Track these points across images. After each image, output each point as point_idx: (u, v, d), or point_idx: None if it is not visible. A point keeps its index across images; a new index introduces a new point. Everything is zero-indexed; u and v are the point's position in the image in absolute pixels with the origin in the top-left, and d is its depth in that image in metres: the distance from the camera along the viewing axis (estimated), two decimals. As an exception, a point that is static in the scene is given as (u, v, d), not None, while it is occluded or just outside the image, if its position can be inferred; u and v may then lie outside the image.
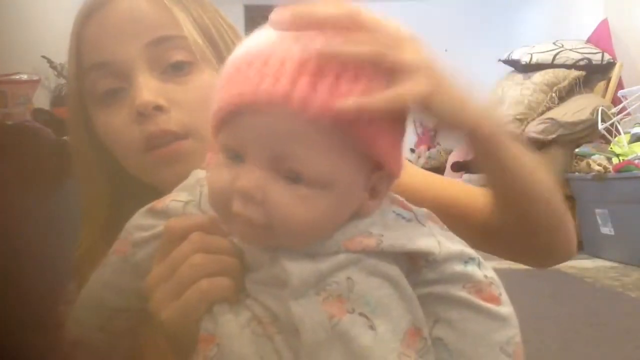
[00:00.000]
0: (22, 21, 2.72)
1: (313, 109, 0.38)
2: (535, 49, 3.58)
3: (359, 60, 0.40)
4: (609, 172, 2.74)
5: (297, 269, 0.42)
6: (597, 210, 2.87)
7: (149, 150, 0.63)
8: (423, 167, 5.12)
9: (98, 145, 0.67)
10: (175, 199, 0.50)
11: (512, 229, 0.57)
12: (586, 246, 3.04)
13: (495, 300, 0.44)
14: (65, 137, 0.70)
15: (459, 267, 0.44)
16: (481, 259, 0.46)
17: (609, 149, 2.89)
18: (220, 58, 0.67)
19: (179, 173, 0.63)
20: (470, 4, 5.19)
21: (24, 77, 2.32)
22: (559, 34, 3.77)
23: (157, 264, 0.47)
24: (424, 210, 0.48)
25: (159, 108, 0.62)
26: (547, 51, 3.52)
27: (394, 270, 0.43)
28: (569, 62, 3.44)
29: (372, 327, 0.41)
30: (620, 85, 3.31)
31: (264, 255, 0.44)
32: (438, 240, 0.44)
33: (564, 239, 0.62)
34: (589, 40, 3.60)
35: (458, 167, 4.14)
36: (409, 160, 0.48)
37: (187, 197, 0.50)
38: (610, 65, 3.41)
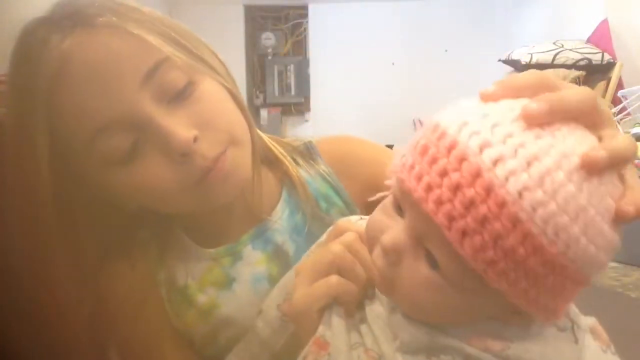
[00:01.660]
0: (22, 21, 2.72)
1: (451, 236, 0.36)
2: (535, 49, 3.58)
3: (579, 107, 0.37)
4: (609, 172, 2.74)
5: (411, 327, 0.42)
6: (597, 210, 2.87)
7: (201, 182, 0.61)
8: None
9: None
10: (363, 217, 0.53)
11: None
12: (586, 246, 3.03)
13: None
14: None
15: None
16: None
17: (609, 149, 2.88)
18: (205, 63, 0.66)
19: (233, 186, 0.64)
20: (470, 4, 5.18)
21: (24, 77, 2.31)
22: (559, 34, 3.77)
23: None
24: (590, 320, 0.45)
25: (196, 139, 0.60)
26: (547, 51, 3.52)
27: None
28: (569, 62, 3.44)
29: None
30: (620, 85, 3.31)
31: (389, 303, 0.45)
32: None
33: None
34: (589, 40, 3.60)
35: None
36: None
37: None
38: (610, 65, 3.41)
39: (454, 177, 0.36)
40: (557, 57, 3.49)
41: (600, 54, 3.44)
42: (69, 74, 0.57)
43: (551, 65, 3.48)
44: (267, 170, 0.78)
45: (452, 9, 5.15)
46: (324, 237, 0.56)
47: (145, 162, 0.60)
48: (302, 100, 4.81)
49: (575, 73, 3.39)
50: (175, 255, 0.74)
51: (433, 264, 0.39)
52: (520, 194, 0.35)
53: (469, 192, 0.35)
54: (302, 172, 0.78)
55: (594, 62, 3.46)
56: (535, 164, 0.35)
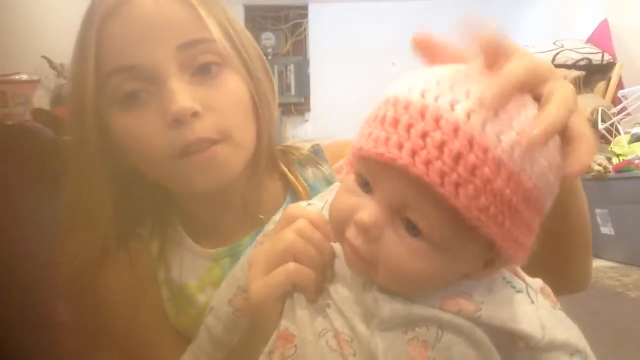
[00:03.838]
0: (22, 21, 2.72)
1: (445, 190, 0.37)
2: (535, 49, 3.58)
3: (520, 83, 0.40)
4: (609, 172, 2.74)
5: (389, 302, 0.42)
6: (597, 210, 2.87)
7: (184, 157, 0.61)
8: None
9: (105, 149, 0.65)
10: (311, 202, 0.53)
11: (547, 251, 0.57)
12: (586, 246, 3.04)
13: None
14: (65, 137, 0.69)
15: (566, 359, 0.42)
16: (588, 351, 0.43)
17: (609, 149, 2.88)
18: (242, 59, 0.68)
19: (213, 178, 0.64)
20: (471, 4, 5.18)
21: (24, 77, 2.32)
22: (559, 34, 3.77)
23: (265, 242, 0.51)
24: (539, 282, 0.46)
25: (195, 114, 0.61)
26: (547, 51, 3.52)
27: (484, 338, 0.42)
28: (569, 62, 3.44)
29: None
30: (620, 85, 3.31)
31: (359, 282, 0.44)
32: (543, 326, 0.42)
33: (585, 269, 0.63)
34: (589, 40, 3.60)
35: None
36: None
37: (317, 203, 0.52)
38: (610, 65, 3.41)
39: (436, 136, 0.37)
40: (557, 57, 3.49)
41: (600, 54, 3.45)
42: (120, 13, 0.61)
43: (551, 65, 3.48)
44: (272, 174, 0.77)
45: (452, 9, 5.15)
46: (272, 226, 0.54)
47: (142, 114, 0.61)
48: (302, 100, 4.82)
49: (575, 73, 3.40)
50: (176, 254, 0.74)
51: (414, 232, 0.40)
52: (498, 138, 0.37)
53: (455, 146, 0.37)
54: (308, 176, 0.78)
55: (594, 62, 3.46)
56: (501, 111, 0.38)
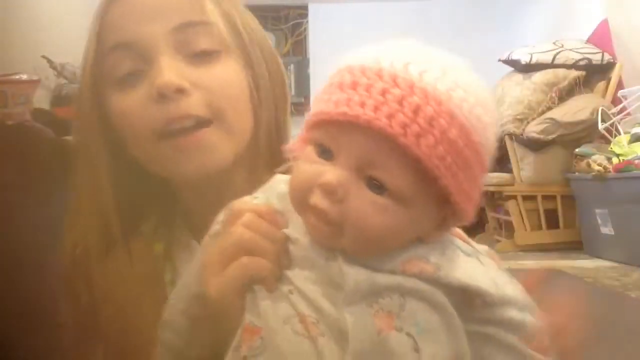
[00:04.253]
0: (22, 21, 2.72)
1: (408, 140, 0.40)
2: (535, 49, 3.58)
3: None
4: (609, 172, 2.74)
5: (353, 272, 0.43)
6: (597, 210, 2.87)
7: (167, 138, 0.61)
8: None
9: (106, 136, 0.65)
10: (257, 196, 0.53)
11: None
12: (586, 246, 3.04)
13: (545, 351, 0.44)
14: (65, 137, 0.69)
15: (515, 315, 0.44)
16: (533, 305, 0.45)
17: (609, 149, 2.89)
18: (243, 48, 0.67)
19: (199, 164, 0.63)
20: (471, 4, 5.18)
21: (24, 77, 2.31)
22: (559, 34, 3.77)
23: (216, 243, 0.50)
24: (485, 247, 0.49)
25: (181, 91, 0.61)
26: (547, 51, 3.52)
27: (445, 301, 0.43)
28: (569, 62, 3.44)
29: (416, 350, 0.42)
30: (620, 85, 3.31)
31: (321, 255, 0.45)
32: (495, 282, 0.44)
33: None
34: (589, 40, 3.60)
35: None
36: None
37: (262, 195, 0.52)
38: (610, 65, 3.41)
39: (396, 92, 0.41)
40: (557, 57, 3.49)
41: (600, 54, 3.45)
42: None
43: (551, 65, 3.48)
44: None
45: (452, 9, 5.15)
46: (218, 226, 0.53)
47: (133, 94, 0.62)
48: (302, 100, 4.82)
49: (575, 73, 3.40)
50: (183, 257, 0.73)
51: (378, 189, 0.42)
52: (449, 94, 0.41)
53: (413, 100, 0.41)
54: None
55: (594, 62, 3.46)
56: (449, 71, 0.43)
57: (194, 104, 0.61)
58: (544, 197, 3.27)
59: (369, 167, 0.42)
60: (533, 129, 3.21)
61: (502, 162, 3.46)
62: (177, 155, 0.62)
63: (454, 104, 0.41)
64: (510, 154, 3.34)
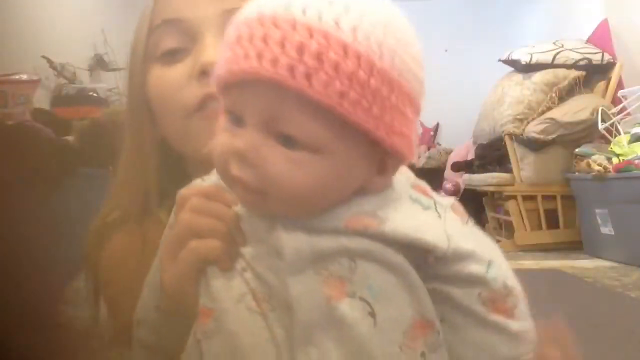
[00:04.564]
0: (22, 21, 2.72)
1: (298, 83, 0.38)
2: (535, 49, 3.58)
3: None
4: (609, 172, 2.74)
5: (292, 239, 0.41)
6: (597, 210, 2.87)
7: (200, 111, 0.62)
8: (423, 168, 5.02)
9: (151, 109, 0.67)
10: (205, 178, 0.51)
11: None
12: (586, 246, 3.04)
13: (508, 313, 0.42)
14: (65, 137, 0.69)
15: (477, 270, 0.41)
16: (503, 265, 0.43)
17: (609, 149, 2.88)
18: None
19: None
20: (471, 4, 5.19)
21: (24, 77, 2.32)
22: (559, 34, 3.77)
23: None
24: (450, 200, 0.46)
25: None
26: (547, 51, 3.52)
27: (399, 259, 0.41)
28: (569, 62, 3.44)
29: (371, 314, 0.40)
30: (620, 85, 3.31)
31: (262, 225, 0.43)
32: (448, 235, 0.41)
33: None
34: (589, 40, 3.60)
35: (458, 167, 4.14)
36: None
37: (211, 177, 0.50)
38: (610, 65, 3.41)
39: (276, 35, 0.38)
40: (557, 57, 3.49)
41: (600, 54, 3.44)
42: None
43: (551, 65, 3.48)
44: None
45: (452, 9, 5.16)
46: (173, 216, 0.52)
47: (174, 69, 0.64)
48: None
49: (575, 73, 3.40)
50: None
51: (290, 144, 0.39)
52: (337, 24, 0.38)
53: (295, 38, 0.37)
54: None
55: (594, 62, 3.46)
56: (350, 4, 0.39)
57: None
58: (544, 197, 3.26)
59: (274, 122, 0.39)
60: (533, 129, 3.21)
61: (502, 162, 3.46)
62: (207, 126, 0.62)
63: (344, 34, 0.38)
64: (510, 154, 3.33)
